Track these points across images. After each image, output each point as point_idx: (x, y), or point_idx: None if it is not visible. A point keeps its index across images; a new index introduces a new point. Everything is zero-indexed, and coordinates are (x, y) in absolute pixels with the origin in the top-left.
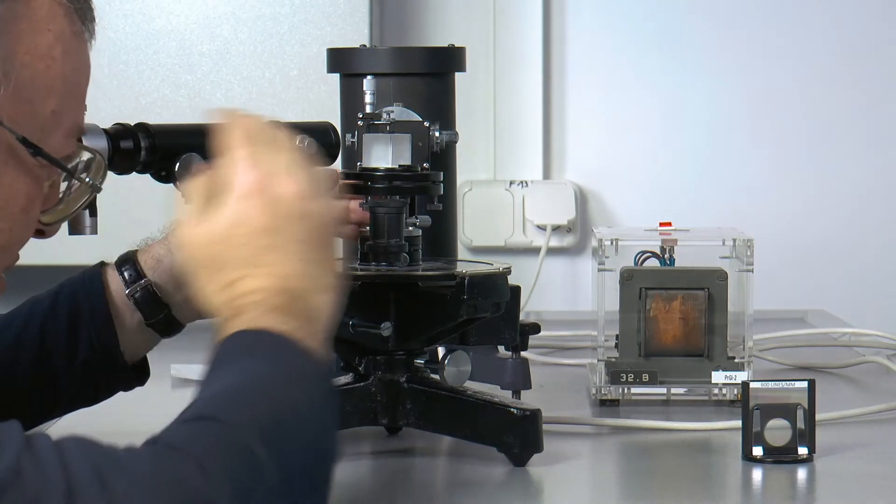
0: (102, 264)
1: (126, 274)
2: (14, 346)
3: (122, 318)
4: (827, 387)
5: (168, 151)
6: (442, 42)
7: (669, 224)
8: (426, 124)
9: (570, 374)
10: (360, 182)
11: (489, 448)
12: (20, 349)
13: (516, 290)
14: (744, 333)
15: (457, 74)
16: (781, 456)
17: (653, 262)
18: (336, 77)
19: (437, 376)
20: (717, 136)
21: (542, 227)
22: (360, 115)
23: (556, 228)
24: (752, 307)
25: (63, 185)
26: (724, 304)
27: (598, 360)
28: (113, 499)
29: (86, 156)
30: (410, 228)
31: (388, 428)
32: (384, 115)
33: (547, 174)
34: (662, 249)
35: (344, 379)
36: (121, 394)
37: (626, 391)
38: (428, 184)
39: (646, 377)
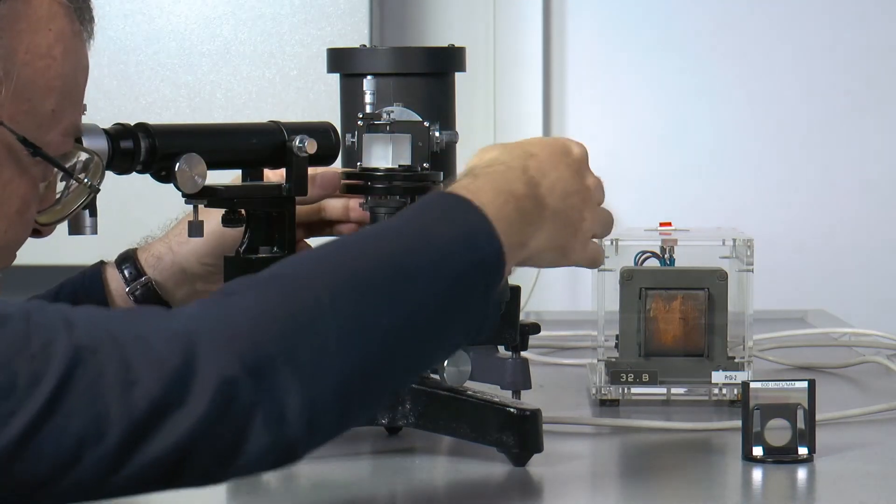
0: (102, 263)
1: (126, 272)
2: None
3: None
4: (827, 387)
5: (168, 151)
6: (442, 42)
7: (669, 224)
8: (426, 124)
9: (570, 374)
10: (360, 182)
11: (489, 448)
12: None
13: (516, 290)
14: (744, 333)
15: (457, 74)
16: (781, 456)
17: (653, 262)
18: (336, 77)
19: (436, 376)
20: (717, 137)
21: None
22: (360, 115)
23: None
24: (752, 307)
25: (60, 186)
26: (724, 304)
27: (598, 360)
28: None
29: (84, 156)
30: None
31: (387, 428)
32: (384, 115)
33: None
34: (662, 249)
35: None
36: None
37: (626, 391)
38: (428, 184)
39: (646, 377)
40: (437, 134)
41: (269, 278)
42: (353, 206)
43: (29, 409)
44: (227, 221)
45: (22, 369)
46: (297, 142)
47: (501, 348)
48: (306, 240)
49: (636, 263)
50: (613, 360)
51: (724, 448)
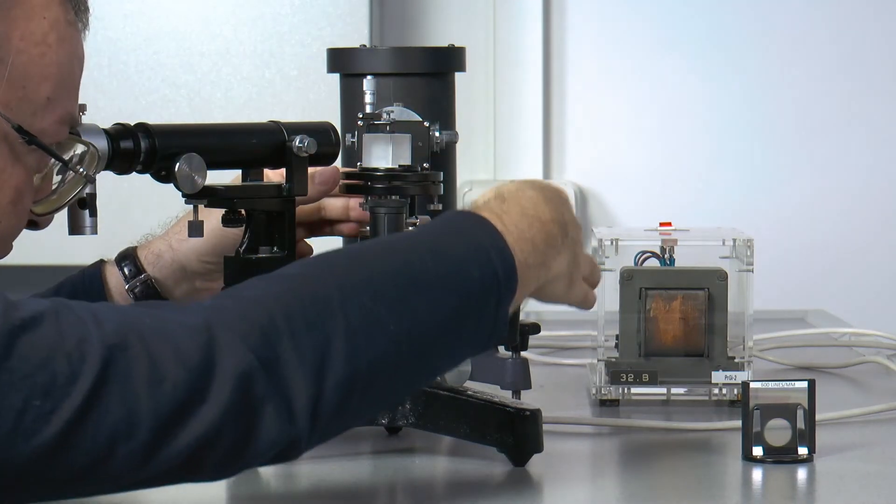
0: (102, 262)
1: (126, 269)
2: None
3: None
4: (827, 387)
5: (168, 151)
6: (442, 42)
7: (669, 224)
8: (426, 124)
9: (570, 374)
10: (360, 182)
11: (489, 448)
12: None
13: None
14: (744, 333)
15: (457, 74)
16: (781, 456)
17: (653, 262)
18: (336, 77)
19: None
20: (716, 136)
21: None
22: (360, 115)
23: None
24: (752, 307)
25: (57, 178)
26: (724, 304)
27: (598, 360)
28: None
29: (80, 148)
30: (410, 228)
31: (387, 428)
32: (384, 115)
33: (547, 174)
34: (662, 249)
35: None
36: None
37: (626, 391)
38: (428, 184)
39: (646, 377)
40: (437, 134)
41: (283, 278)
42: (352, 205)
43: (68, 406)
44: (227, 221)
45: (60, 368)
46: (297, 142)
47: (501, 348)
48: (307, 239)
49: (636, 263)
50: (613, 360)
51: (724, 448)
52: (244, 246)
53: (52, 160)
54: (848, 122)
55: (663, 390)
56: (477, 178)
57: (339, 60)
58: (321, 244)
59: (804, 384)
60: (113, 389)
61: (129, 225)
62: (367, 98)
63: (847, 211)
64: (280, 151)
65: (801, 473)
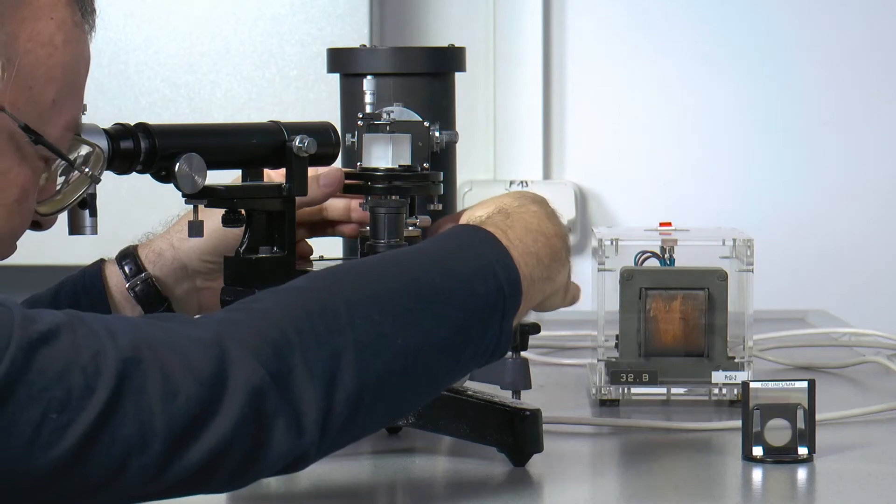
0: (102, 261)
1: (126, 268)
2: None
3: (123, 312)
4: (827, 387)
5: (168, 151)
6: (442, 42)
7: (669, 224)
8: (426, 124)
9: (570, 374)
10: (360, 182)
11: (489, 448)
12: None
13: None
14: (744, 333)
15: (457, 74)
16: (781, 456)
17: (653, 262)
18: (336, 77)
19: None
20: (717, 136)
21: None
22: (360, 115)
23: None
24: (752, 307)
25: (61, 179)
26: (724, 304)
27: (598, 360)
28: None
29: (84, 149)
30: (410, 228)
31: (387, 428)
32: (384, 115)
33: (547, 174)
34: (662, 249)
35: None
36: None
37: (626, 391)
38: (428, 184)
39: (646, 377)
40: (437, 134)
41: (293, 291)
42: (354, 206)
43: (83, 420)
44: (227, 221)
45: (76, 382)
46: (297, 142)
47: None
48: (308, 240)
49: (636, 263)
50: (613, 360)
51: (724, 448)
52: (244, 246)
53: (57, 161)
54: (848, 122)
55: (663, 390)
56: (477, 178)
57: (339, 60)
58: (321, 244)
59: (804, 384)
60: (127, 403)
61: (129, 225)
62: (367, 98)
63: (848, 211)
64: (280, 151)
65: (801, 473)
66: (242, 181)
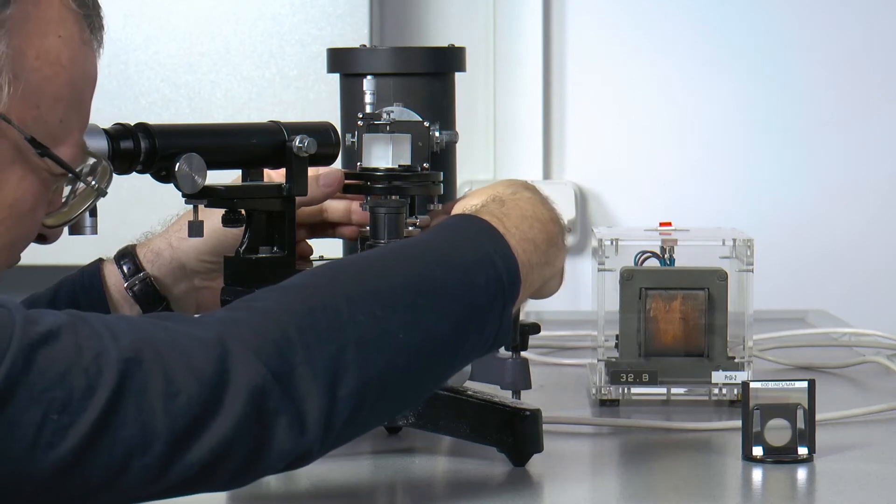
0: (101, 260)
1: (125, 267)
2: None
3: (121, 311)
4: (827, 387)
5: (168, 151)
6: (442, 42)
7: (669, 224)
8: (426, 124)
9: (570, 374)
10: (360, 182)
11: (489, 448)
12: None
13: None
14: (744, 333)
15: (457, 74)
16: (781, 456)
17: (653, 262)
18: (336, 77)
19: None
20: (716, 137)
21: None
22: (360, 115)
23: None
24: (752, 307)
25: (66, 190)
26: (724, 304)
27: (598, 360)
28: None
29: (90, 160)
30: (410, 228)
31: (387, 428)
32: (384, 115)
33: (547, 174)
34: (662, 249)
35: None
36: None
37: (626, 391)
38: (428, 184)
39: (646, 377)
40: (437, 134)
41: (294, 289)
42: (355, 208)
43: (85, 421)
44: (227, 221)
45: (77, 382)
46: (297, 142)
47: (501, 348)
48: (308, 241)
49: (636, 263)
50: (613, 360)
51: (724, 448)
52: (244, 246)
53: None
54: (848, 122)
55: (663, 390)
56: (477, 178)
57: (339, 60)
58: (321, 245)
59: (804, 384)
60: (129, 403)
61: (129, 225)
62: (367, 98)
63: (848, 211)
64: (280, 151)
65: (801, 473)
66: (242, 181)
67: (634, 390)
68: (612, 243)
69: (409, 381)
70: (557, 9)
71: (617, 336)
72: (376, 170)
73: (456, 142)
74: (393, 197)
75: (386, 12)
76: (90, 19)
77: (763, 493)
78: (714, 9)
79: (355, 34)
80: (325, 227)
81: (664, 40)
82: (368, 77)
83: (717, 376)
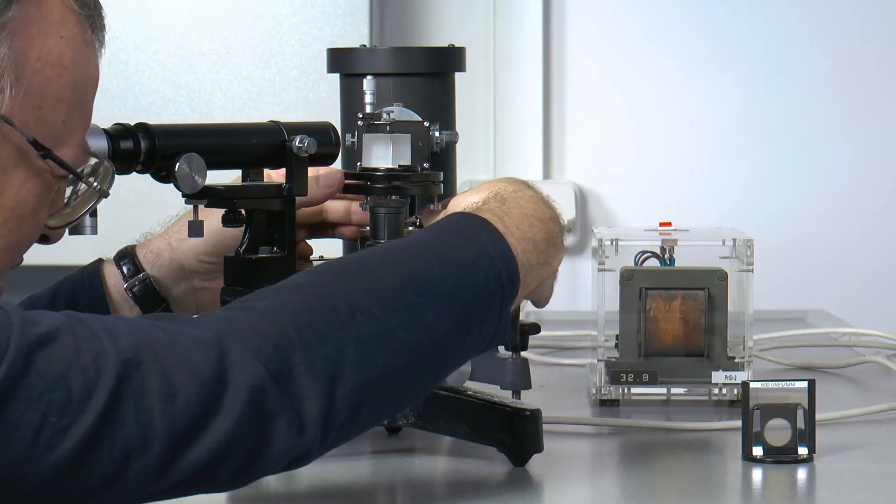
0: (100, 261)
1: (125, 268)
2: None
3: (121, 312)
4: (827, 387)
5: (168, 151)
6: (442, 42)
7: (669, 224)
8: (426, 124)
9: (570, 374)
10: (360, 182)
11: (489, 448)
12: None
13: None
14: (744, 333)
15: (457, 74)
16: (781, 456)
17: (653, 262)
18: (336, 77)
19: None
20: (716, 136)
21: None
22: (360, 115)
23: None
24: (752, 307)
25: (68, 191)
26: (724, 304)
27: (598, 360)
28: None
29: (92, 161)
30: (410, 228)
31: (387, 428)
32: (384, 115)
33: (547, 174)
34: (662, 249)
35: None
36: None
37: (626, 391)
38: (428, 184)
39: (646, 377)
40: (437, 134)
41: (292, 288)
42: (354, 208)
43: (84, 422)
44: (227, 221)
45: (75, 384)
46: (297, 142)
47: (501, 348)
48: (308, 241)
49: (636, 263)
50: (613, 360)
51: (724, 448)
52: (244, 246)
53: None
54: (849, 122)
55: (663, 390)
56: (477, 178)
57: (339, 60)
58: (321, 245)
59: (804, 384)
60: (127, 404)
61: (129, 225)
62: (367, 98)
63: (848, 211)
64: (280, 151)
65: (801, 473)
66: (242, 181)
67: (634, 390)
68: (612, 243)
69: (408, 379)
70: (557, 8)
71: (617, 336)
72: (376, 170)
73: (456, 142)
74: (393, 197)
75: (386, 12)
76: (92, 20)
77: (763, 493)
78: (714, 9)
79: (355, 34)
80: (325, 228)
81: (664, 40)
82: (368, 77)
83: (717, 376)
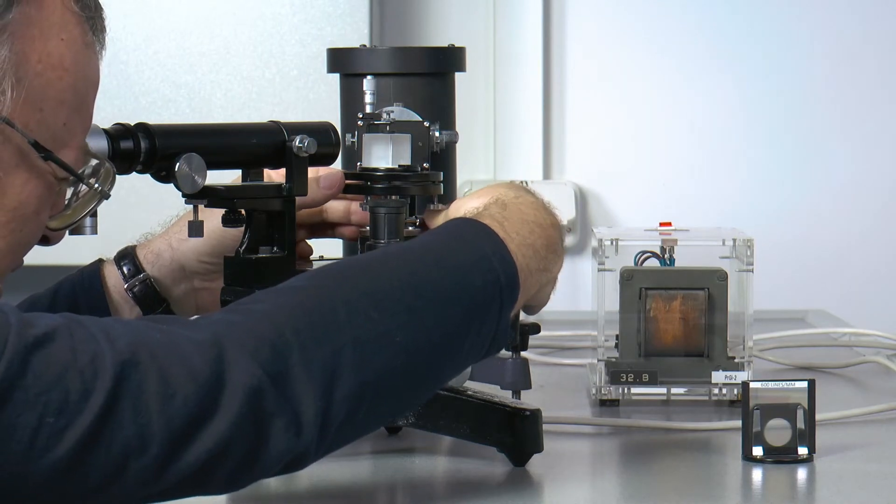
0: (101, 261)
1: (125, 268)
2: None
3: (121, 312)
4: (827, 387)
5: (168, 151)
6: (442, 42)
7: (669, 224)
8: (426, 124)
9: (570, 374)
10: (360, 182)
11: (489, 448)
12: None
13: None
14: (744, 333)
15: (457, 74)
16: (781, 456)
17: (653, 262)
18: (336, 77)
19: None
20: (716, 136)
21: None
22: (360, 115)
23: None
24: (752, 307)
25: (69, 192)
26: (724, 304)
27: (598, 360)
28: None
29: (93, 162)
30: (410, 228)
31: (387, 428)
32: (384, 115)
33: (547, 174)
34: (662, 249)
35: None
36: None
37: (626, 391)
38: (428, 184)
39: (646, 377)
40: (437, 134)
41: (291, 291)
42: (354, 208)
43: (81, 423)
44: (227, 221)
45: (73, 385)
46: (297, 142)
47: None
48: (308, 241)
49: (636, 263)
50: (613, 360)
51: (724, 448)
52: (244, 246)
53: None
54: (849, 122)
55: (663, 390)
56: (477, 178)
57: (339, 60)
58: (322, 245)
59: (804, 384)
60: (125, 406)
61: (129, 225)
62: (367, 98)
63: (848, 211)
64: (280, 151)
65: (801, 473)
66: (242, 181)
67: (634, 390)
68: (612, 243)
69: (406, 383)
70: (557, 8)
71: (617, 336)
72: (376, 170)
73: (456, 142)
74: (393, 197)
75: (386, 12)
76: (92, 21)
77: (763, 493)
78: (714, 9)
79: (355, 34)
80: (325, 228)
81: (664, 40)
82: (368, 77)
83: (717, 376)
